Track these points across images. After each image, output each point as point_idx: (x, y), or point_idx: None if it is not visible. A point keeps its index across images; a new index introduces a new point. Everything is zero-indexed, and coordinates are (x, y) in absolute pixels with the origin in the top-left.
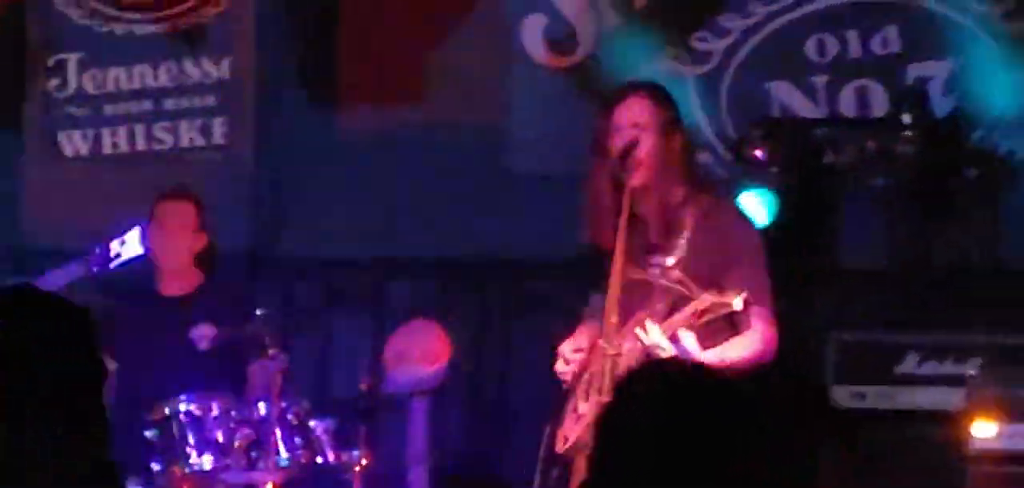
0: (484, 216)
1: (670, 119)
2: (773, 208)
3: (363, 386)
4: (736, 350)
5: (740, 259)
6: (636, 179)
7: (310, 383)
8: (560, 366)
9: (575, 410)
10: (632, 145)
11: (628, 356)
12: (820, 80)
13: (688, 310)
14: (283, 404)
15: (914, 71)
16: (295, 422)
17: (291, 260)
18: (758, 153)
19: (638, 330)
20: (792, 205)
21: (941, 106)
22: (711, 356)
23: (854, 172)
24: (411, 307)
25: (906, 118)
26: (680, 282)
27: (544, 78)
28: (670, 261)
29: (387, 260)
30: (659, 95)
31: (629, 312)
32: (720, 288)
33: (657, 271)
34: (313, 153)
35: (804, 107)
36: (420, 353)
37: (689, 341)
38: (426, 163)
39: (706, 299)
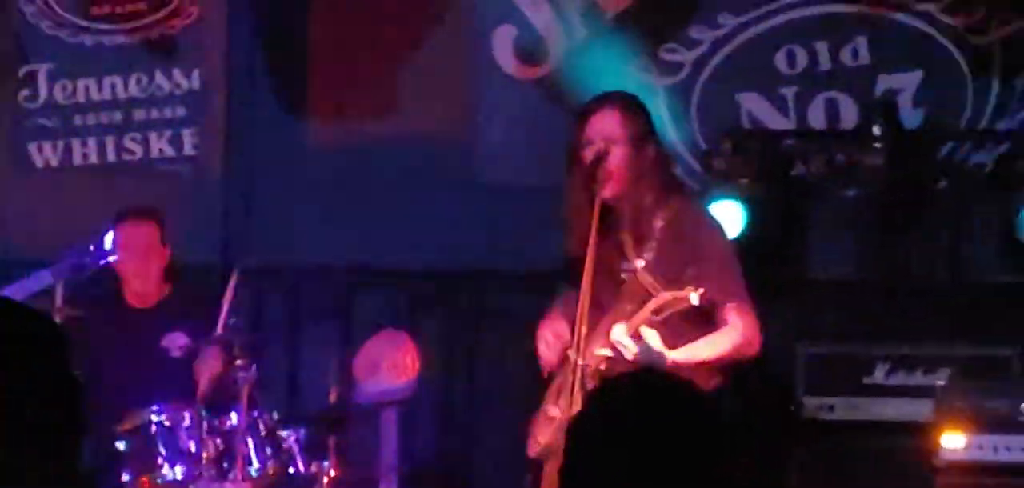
0: (454, 227)
1: (641, 130)
2: (742, 219)
3: (333, 397)
4: (710, 348)
5: (704, 257)
6: (607, 191)
7: (281, 394)
8: (541, 348)
9: (546, 414)
10: (601, 157)
11: (596, 364)
12: (789, 91)
13: (648, 308)
14: (254, 414)
15: (884, 83)
16: (265, 432)
17: (261, 271)
18: (727, 164)
19: (611, 332)
20: (761, 216)
21: (910, 118)
22: (680, 355)
23: (823, 183)
24: (381, 318)
25: (875, 130)
26: (649, 284)
27: (514, 89)
28: (640, 263)
29: (357, 271)
30: (630, 106)
31: (600, 320)
32: (680, 285)
33: (628, 275)
34: (283, 164)
35: (773, 118)
36: (390, 364)
37: (653, 339)
38: (396, 174)
39: (664, 296)
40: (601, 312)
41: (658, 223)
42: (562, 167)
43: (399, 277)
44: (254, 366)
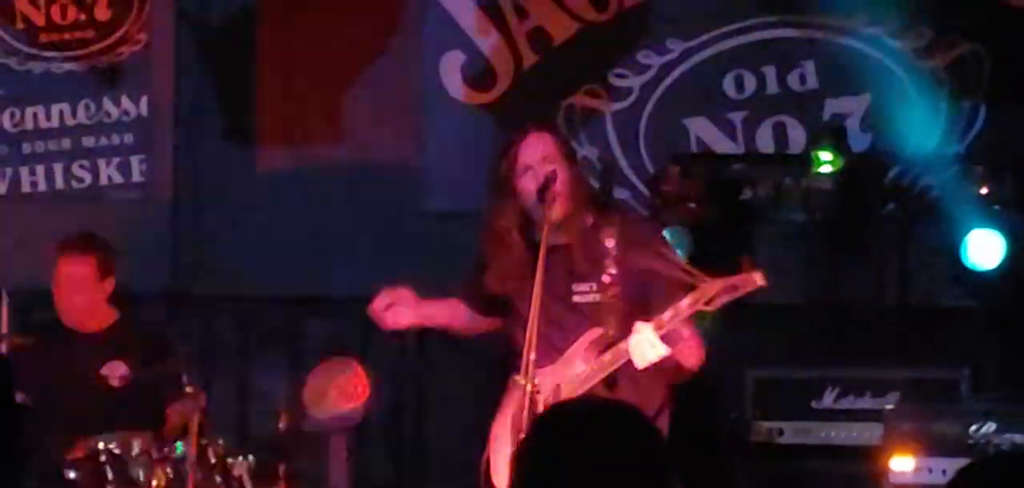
0: (402, 254)
1: (572, 150)
2: (690, 243)
3: (282, 424)
4: (688, 359)
5: (667, 262)
6: (556, 212)
7: (229, 421)
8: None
9: (496, 440)
10: (551, 179)
11: (548, 391)
12: (738, 116)
13: (694, 297)
14: (202, 442)
15: (831, 107)
16: (214, 461)
17: (210, 298)
18: (676, 188)
19: (640, 326)
20: (709, 240)
21: (858, 142)
22: (673, 363)
23: (771, 207)
24: (330, 345)
25: (823, 154)
26: (614, 303)
27: (462, 115)
28: (606, 279)
29: (306, 298)
30: (555, 129)
31: (552, 346)
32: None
33: (592, 295)
34: (232, 191)
35: (721, 143)
36: (339, 391)
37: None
38: (344, 201)
39: (714, 284)
40: (550, 338)
41: (609, 242)
42: None
43: (348, 304)
44: (203, 394)
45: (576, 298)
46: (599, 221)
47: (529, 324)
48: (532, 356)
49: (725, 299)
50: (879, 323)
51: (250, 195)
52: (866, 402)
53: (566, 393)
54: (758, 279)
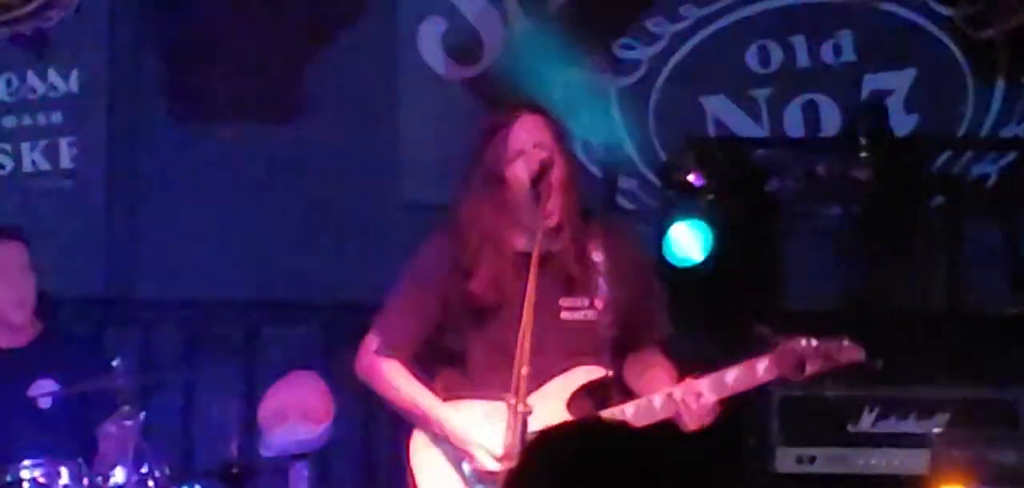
0: (374, 251)
1: (566, 134)
2: (708, 241)
3: (235, 448)
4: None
5: (650, 294)
6: (551, 208)
7: (173, 445)
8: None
9: (479, 469)
10: (546, 169)
11: (545, 411)
12: (762, 94)
13: (779, 361)
14: (142, 470)
15: (870, 84)
16: None
17: (151, 303)
18: (691, 178)
19: (694, 384)
20: (730, 238)
21: (901, 124)
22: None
23: (801, 200)
24: (290, 356)
25: (861, 138)
26: (604, 326)
27: (443, 92)
28: (600, 303)
29: (262, 303)
30: (552, 112)
31: (544, 362)
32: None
33: (584, 312)
34: (176, 179)
35: (744, 125)
36: (300, 410)
37: None
38: (307, 190)
39: (808, 348)
40: (541, 354)
41: (596, 255)
42: None
43: (311, 310)
44: (142, 414)
45: (565, 314)
46: (586, 225)
47: (521, 335)
48: (524, 371)
49: (817, 369)
50: (925, 334)
51: (197, 183)
52: (910, 425)
53: None
54: (859, 353)
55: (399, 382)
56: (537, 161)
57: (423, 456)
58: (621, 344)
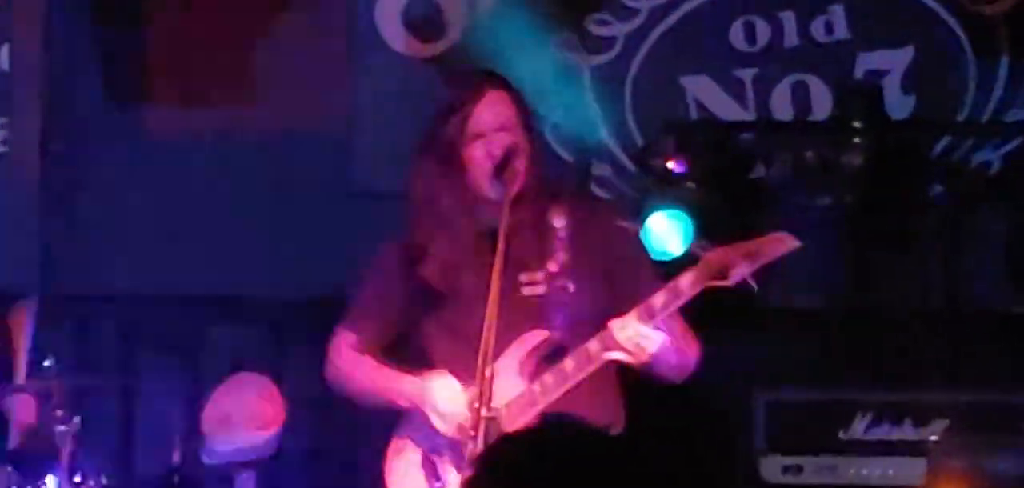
0: (328, 244)
1: (531, 114)
2: (688, 233)
3: (177, 456)
4: (676, 355)
5: (639, 264)
6: (513, 190)
7: (110, 452)
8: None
9: (438, 478)
10: (512, 154)
11: (513, 414)
12: (747, 74)
13: (701, 272)
14: (76, 480)
15: (865, 63)
16: None
17: (88, 299)
18: (670, 164)
19: (621, 321)
20: (712, 229)
21: (898, 107)
22: (673, 355)
23: (789, 189)
24: (237, 357)
25: (855, 122)
26: (568, 290)
27: (403, 71)
28: (553, 267)
29: (206, 299)
30: (516, 88)
31: (507, 340)
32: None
33: (540, 286)
34: (115, 165)
35: (727, 108)
36: (247, 415)
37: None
38: (256, 179)
39: (729, 250)
40: (501, 333)
41: (557, 221)
42: None
43: (259, 307)
44: (76, 418)
45: (525, 290)
46: (551, 202)
47: (485, 331)
48: (488, 373)
49: (746, 269)
50: (922, 333)
51: (137, 170)
52: (906, 432)
53: (507, 420)
54: (788, 241)
55: (374, 374)
56: (501, 147)
57: (395, 463)
58: (603, 311)
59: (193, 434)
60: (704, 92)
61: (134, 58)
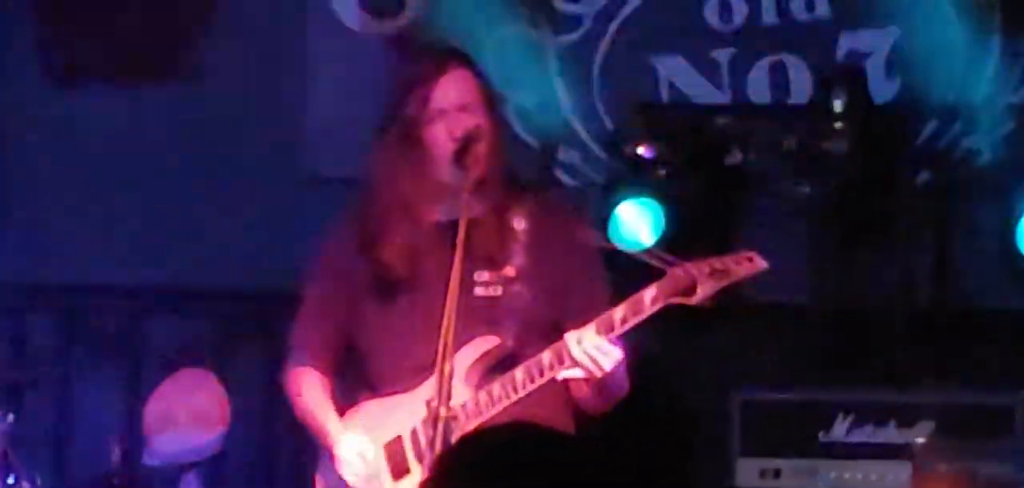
0: (276, 232)
1: (495, 96)
2: (659, 222)
3: (116, 456)
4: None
5: (589, 272)
6: (473, 178)
7: (45, 451)
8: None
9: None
10: (472, 138)
11: (471, 414)
12: (723, 54)
13: (664, 286)
14: (9, 481)
15: (847, 43)
16: None
17: (22, 289)
18: (641, 150)
19: (571, 338)
20: (684, 219)
21: (882, 90)
22: (623, 375)
23: (767, 176)
24: (180, 353)
25: (837, 105)
26: (522, 298)
27: (357, 50)
28: (510, 271)
29: (147, 290)
30: (479, 66)
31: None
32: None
33: (493, 287)
34: (52, 149)
35: (702, 90)
36: (191, 413)
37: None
38: (201, 163)
39: (697, 267)
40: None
41: (518, 223)
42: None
43: (204, 299)
44: (10, 416)
45: (478, 290)
46: (510, 197)
47: (444, 326)
48: (447, 368)
49: (712, 287)
50: (908, 330)
51: (76, 155)
52: (890, 434)
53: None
54: (757, 261)
55: (307, 399)
56: (461, 128)
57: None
58: (554, 323)
59: (134, 434)
60: (677, 73)
61: (73, 37)
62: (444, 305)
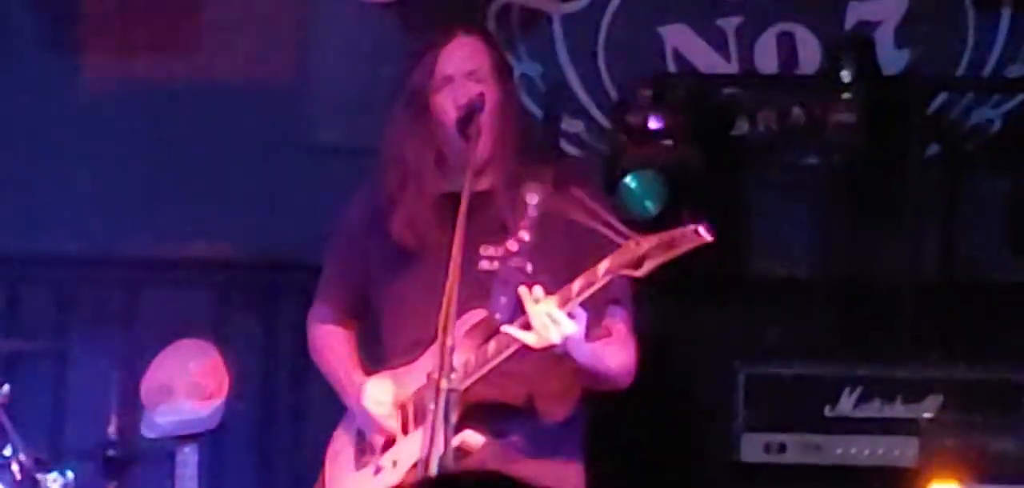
0: (278, 201)
1: (507, 66)
2: (662, 194)
3: (113, 429)
4: (612, 358)
5: (595, 254)
6: (480, 149)
7: (42, 424)
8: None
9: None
10: (477, 106)
11: (465, 383)
12: (730, 23)
13: (615, 260)
14: (5, 453)
15: (856, 13)
16: (21, 476)
17: (16, 260)
18: (647, 120)
19: (528, 298)
20: (690, 191)
21: (891, 61)
22: (588, 352)
23: (774, 148)
24: (177, 323)
25: (845, 76)
26: (524, 271)
27: (359, 17)
28: (513, 245)
29: (145, 260)
30: (490, 35)
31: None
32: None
33: (498, 260)
34: (47, 117)
35: (708, 59)
36: (189, 385)
37: (581, 322)
38: (198, 132)
39: (645, 240)
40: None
41: (531, 197)
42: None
43: (202, 268)
44: (5, 387)
45: (483, 263)
46: (525, 168)
47: (445, 300)
48: (449, 341)
49: (659, 261)
50: (915, 304)
51: (72, 123)
52: (897, 409)
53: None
54: (702, 233)
55: (328, 356)
56: (466, 96)
57: (335, 445)
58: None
59: (131, 405)
60: (683, 42)
61: (70, 5)
62: (438, 280)
